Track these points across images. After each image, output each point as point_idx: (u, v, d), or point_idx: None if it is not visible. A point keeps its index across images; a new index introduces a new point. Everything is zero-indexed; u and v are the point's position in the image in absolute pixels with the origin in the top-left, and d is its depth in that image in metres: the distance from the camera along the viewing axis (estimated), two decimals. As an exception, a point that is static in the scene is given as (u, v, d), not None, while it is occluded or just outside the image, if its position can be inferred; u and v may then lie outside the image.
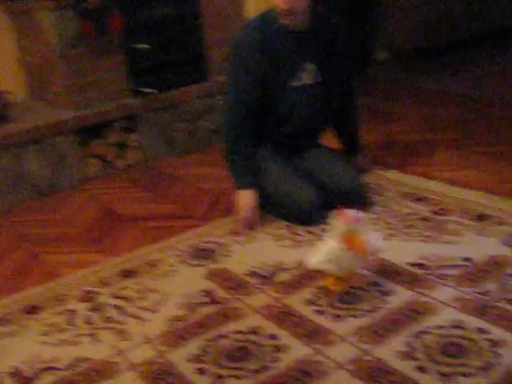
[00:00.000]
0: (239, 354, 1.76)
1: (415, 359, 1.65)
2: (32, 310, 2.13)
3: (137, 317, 2.01)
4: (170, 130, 3.66)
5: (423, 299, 1.92)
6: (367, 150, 3.12)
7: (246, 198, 2.54)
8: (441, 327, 1.77)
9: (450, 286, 1.97)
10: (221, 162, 2.82)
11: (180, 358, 1.77)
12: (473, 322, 1.78)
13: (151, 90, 3.53)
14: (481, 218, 2.41)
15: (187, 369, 1.72)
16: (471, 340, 1.70)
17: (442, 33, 5.62)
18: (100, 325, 1.99)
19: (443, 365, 1.62)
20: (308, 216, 2.49)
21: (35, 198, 3.24)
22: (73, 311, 2.09)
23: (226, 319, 1.93)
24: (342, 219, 1.93)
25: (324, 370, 1.65)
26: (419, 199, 2.64)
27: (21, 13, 3.70)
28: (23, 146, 3.18)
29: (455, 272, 2.04)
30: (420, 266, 2.11)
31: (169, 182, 3.28)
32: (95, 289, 2.21)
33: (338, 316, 1.88)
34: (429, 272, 2.06)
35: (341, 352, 1.72)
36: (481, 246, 2.20)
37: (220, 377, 1.67)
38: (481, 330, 1.74)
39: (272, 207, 2.60)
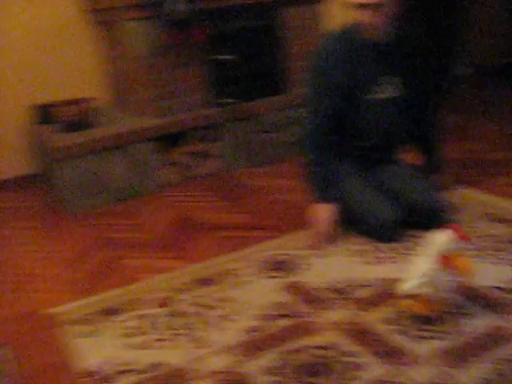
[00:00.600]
0: (317, 369, 1.73)
1: (501, 386, 1.59)
2: (111, 312, 2.17)
3: (213, 325, 2.01)
4: (248, 141, 3.68)
5: (505, 324, 1.84)
6: (447, 167, 3.04)
7: (325, 212, 2.52)
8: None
9: (538, 312, 1.89)
10: (298, 174, 2.81)
11: (256, 369, 1.76)
12: None
13: (232, 101, 3.56)
14: None
15: (263, 381, 1.70)
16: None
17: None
18: (177, 330, 2.00)
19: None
20: (388, 232, 2.44)
21: (116, 203, 3.32)
22: (151, 316, 2.11)
23: (304, 333, 1.90)
24: (451, 236, 1.82)
25: (405, 391, 1.61)
26: (503, 220, 2.55)
27: (107, 23, 3.81)
28: (106, 152, 3.27)
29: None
30: (501, 289, 2.03)
31: (246, 192, 3.29)
32: (173, 294, 2.23)
33: (420, 337, 1.83)
34: (511, 296, 1.99)
35: (422, 374, 1.66)
36: None
37: (298, 391, 1.65)
38: None
39: (351, 222, 2.56)
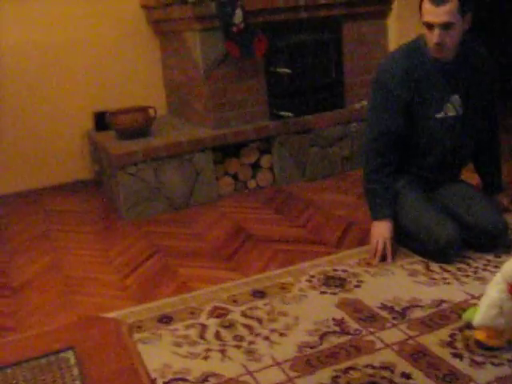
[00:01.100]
0: (370, 388, 1.71)
1: None
2: (164, 319, 2.19)
3: (266, 338, 2.01)
4: (302, 154, 3.68)
5: None
6: (508, 188, 2.98)
7: (381, 229, 2.49)
8: None
9: None
10: (353, 190, 2.80)
11: (310, 385, 1.75)
12: None
13: (289, 114, 3.57)
14: None
15: (318, 398, 1.69)
16: None
17: None
18: (230, 342, 2.01)
19: None
20: (446, 253, 2.40)
21: (170, 211, 3.35)
22: (204, 325, 2.12)
23: (358, 351, 1.88)
24: None
25: (461, 418, 1.57)
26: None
27: (168, 33, 3.88)
28: (162, 160, 3.31)
29: None
30: None
31: (300, 205, 3.28)
32: (226, 305, 2.24)
33: (477, 362, 1.79)
34: None
35: (479, 400, 1.63)
36: None
37: (351, 410, 1.64)
38: None
39: (408, 240, 2.53)
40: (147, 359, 1.95)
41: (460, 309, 2.07)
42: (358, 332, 1.99)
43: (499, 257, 2.42)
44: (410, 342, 1.92)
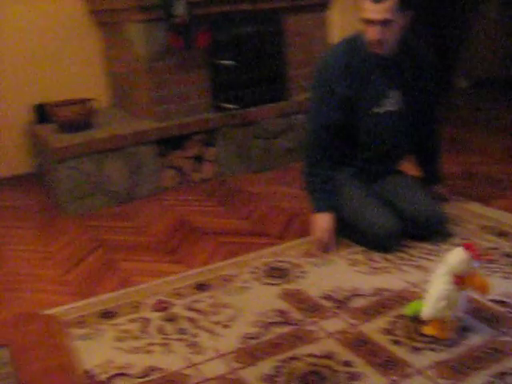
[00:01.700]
0: (312, 378, 1.73)
1: (497, 401, 1.59)
2: (107, 314, 2.17)
3: (210, 331, 2.01)
4: (246, 147, 3.68)
5: (505, 338, 1.84)
6: (447, 179, 3.05)
7: (322, 221, 2.52)
8: (524, 369, 1.70)
9: (534, 327, 1.89)
10: (296, 181, 2.82)
11: (252, 376, 1.76)
12: (559, 367, 1.70)
13: (232, 106, 3.57)
14: None
15: (260, 388, 1.71)
16: (557, 386, 1.63)
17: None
18: (173, 336, 2.00)
19: (527, 409, 1.56)
20: (385, 243, 2.45)
21: (112, 205, 3.31)
22: (147, 319, 2.11)
23: (300, 341, 1.90)
24: (465, 256, 1.80)
25: (400, 403, 1.61)
26: (501, 234, 2.56)
27: (110, 24, 3.82)
28: (104, 153, 3.26)
29: (538, 312, 1.96)
30: (502, 303, 2.03)
31: (243, 198, 3.29)
32: (169, 299, 2.23)
33: (416, 348, 1.83)
34: (511, 310, 1.99)
35: (417, 385, 1.67)
36: None
37: (293, 399, 1.65)
38: None
39: (349, 232, 2.57)
40: (89, 355, 1.93)
41: (400, 297, 2.12)
42: (300, 322, 2.01)
43: (438, 245, 2.48)
44: (351, 330, 1.95)
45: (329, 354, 1.83)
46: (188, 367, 1.83)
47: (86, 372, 1.84)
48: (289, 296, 2.19)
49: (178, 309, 2.16)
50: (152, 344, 1.96)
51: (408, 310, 1.99)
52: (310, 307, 2.10)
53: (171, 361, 1.87)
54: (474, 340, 1.85)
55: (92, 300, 2.29)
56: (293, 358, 1.82)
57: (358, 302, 2.10)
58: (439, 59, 4.92)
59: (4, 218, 3.29)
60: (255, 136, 3.70)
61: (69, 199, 3.22)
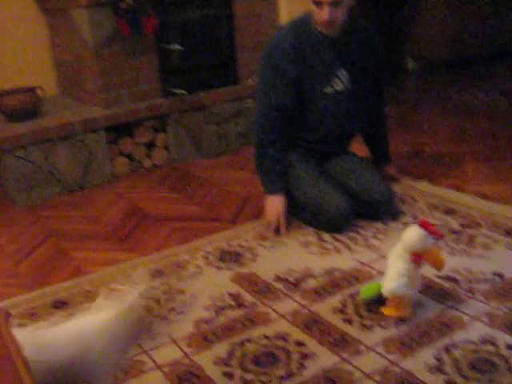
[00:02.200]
0: (266, 359, 1.75)
1: (444, 373, 1.63)
2: (59, 304, 2.15)
3: (163, 317, 2.01)
4: (198, 132, 3.67)
5: (452, 313, 1.90)
6: (396, 159, 3.10)
7: (274, 203, 2.54)
8: (470, 342, 1.75)
9: (479, 301, 1.95)
10: (249, 165, 2.83)
11: (206, 360, 1.77)
12: (503, 338, 1.76)
13: (182, 91, 3.54)
14: (511, 232, 2.38)
15: (214, 372, 1.72)
16: (501, 356, 1.68)
17: (470, 45, 5.59)
18: (126, 323, 1.99)
19: (472, 380, 1.60)
20: (336, 223, 2.48)
21: (63, 194, 3.27)
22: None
23: (253, 324, 1.92)
24: (422, 233, 1.83)
25: (351, 380, 1.64)
26: (448, 211, 2.62)
27: (55, 10, 3.74)
28: (53, 142, 3.21)
29: (485, 287, 2.02)
30: (449, 279, 2.09)
31: (196, 183, 3.29)
32: (122, 287, 2.22)
33: (366, 325, 1.87)
34: (458, 286, 2.04)
35: (368, 362, 1.71)
36: (511, 261, 2.17)
37: (246, 381, 1.67)
38: (510, 346, 1.72)
39: (300, 213, 2.59)
40: (41, 346, 1.91)
41: (351, 276, 2.16)
42: (253, 305, 2.03)
43: (387, 225, 2.53)
44: (303, 311, 1.98)
45: (281, 335, 1.85)
46: (140, 354, 1.83)
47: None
48: (241, 279, 2.20)
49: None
50: (105, 332, 1.95)
51: (365, 293, 1.99)
52: (263, 290, 2.12)
53: (125, 348, 1.86)
54: (423, 315, 1.90)
55: (43, 291, 2.26)
56: (246, 341, 1.84)
57: (310, 283, 2.13)
58: (388, 40, 4.99)
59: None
60: (207, 121, 3.68)
61: (18, 190, 3.16)
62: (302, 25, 2.57)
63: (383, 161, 2.94)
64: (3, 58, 3.87)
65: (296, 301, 2.03)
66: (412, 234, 1.85)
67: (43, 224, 2.91)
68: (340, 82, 2.61)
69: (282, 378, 1.67)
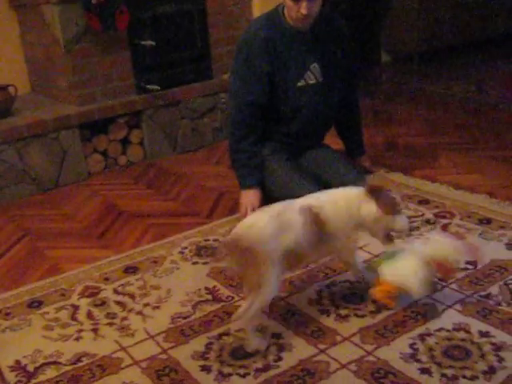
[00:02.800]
0: (243, 352, 1.76)
1: (418, 361, 1.66)
2: (34, 304, 2.13)
3: (139, 313, 2.01)
4: (173, 128, 3.66)
5: (427, 301, 1.92)
6: (370, 151, 3.12)
7: (249, 197, 2.54)
8: (444, 330, 1.77)
9: (453, 289, 1.97)
10: (224, 160, 2.83)
11: (184, 354, 1.77)
12: (476, 325, 1.78)
13: (155, 87, 3.53)
14: (484, 221, 2.41)
15: (191, 366, 1.72)
16: (474, 343, 1.71)
17: (444, 36, 5.62)
18: (103, 320, 1.99)
19: (446, 367, 1.63)
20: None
21: (37, 193, 3.24)
22: (75, 306, 2.09)
23: (230, 317, 1.91)
24: (457, 247, 1.84)
25: (327, 371, 1.65)
26: (422, 202, 2.64)
27: (25, 6, 3.69)
28: (26, 141, 3.18)
29: (458, 275, 2.04)
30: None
31: (171, 179, 3.28)
32: (98, 284, 2.21)
33: (342, 316, 1.89)
34: (432, 274, 2.07)
35: (344, 352, 1.72)
36: (484, 250, 2.20)
37: (224, 375, 1.67)
38: (483, 334, 1.74)
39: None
40: (17, 346, 1.90)
41: (325, 267, 2.17)
42: (229, 299, 2.04)
43: (362, 216, 2.54)
44: (280, 303, 1.98)
45: (258, 328, 1.85)
46: (118, 351, 1.83)
47: (12, 364, 1.81)
48: (217, 274, 2.20)
49: (106, 294, 2.15)
50: (81, 330, 1.95)
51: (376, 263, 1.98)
52: (239, 284, 2.12)
53: (101, 346, 1.86)
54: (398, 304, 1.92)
55: (18, 290, 2.24)
56: (223, 334, 1.85)
57: (287, 275, 2.13)
58: (362, 33, 5.01)
59: None
60: (181, 116, 3.67)
61: (-9, 189, 3.13)
62: (274, 19, 2.57)
63: (357, 153, 2.96)
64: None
65: (272, 294, 2.04)
66: (446, 246, 1.85)
67: (18, 223, 2.89)
68: (312, 76, 2.62)
69: (259, 370, 1.68)
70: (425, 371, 1.61)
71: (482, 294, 1.93)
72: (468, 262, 2.10)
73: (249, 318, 1.72)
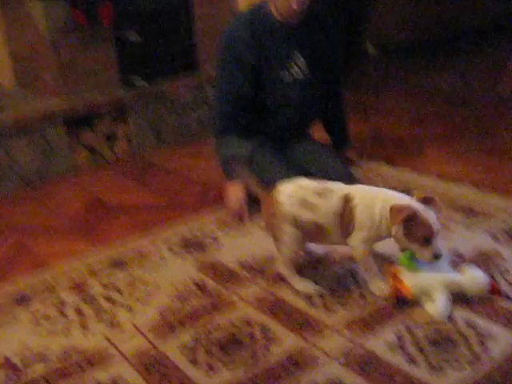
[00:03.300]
0: (231, 345, 1.77)
1: (405, 351, 1.67)
2: (21, 299, 2.13)
3: (127, 307, 2.01)
4: (159, 122, 3.65)
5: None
6: (356, 143, 3.13)
7: (235, 190, 2.54)
8: (430, 320, 1.79)
9: (439, 279, 1.99)
10: (210, 154, 2.83)
11: (172, 348, 1.78)
12: (462, 315, 1.80)
13: (140, 81, 3.51)
14: (469, 212, 2.43)
15: (180, 359, 1.72)
16: (460, 333, 1.72)
17: (429, 29, 5.65)
18: (90, 315, 1.99)
19: (432, 357, 1.64)
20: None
21: (23, 189, 3.22)
22: (63, 301, 2.08)
23: (218, 310, 1.93)
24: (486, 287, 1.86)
25: (315, 362, 1.66)
26: (407, 193, 2.65)
27: (10, 2, 3.67)
28: (11, 136, 3.16)
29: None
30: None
31: (158, 173, 3.27)
32: (85, 279, 2.21)
33: (330, 308, 1.90)
34: (418, 265, 2.08)
35: (332, 344, 1.73)
36: (469, 240, 2.22)
37: (212, 367, 1.68)
38: (469, 323, 1.76)
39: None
40: (5, 342, 1.90)
41: (321, 259, 2.18)
42: (218, 292, 2.04)
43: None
44: (268, 296, 1.99)
45: (246, 321, 1.87)
46: (107, 345, 1.83)
47: (4, 360, 1.81)
48: (205, 267, 2.21)
49: (94, 288, 2.15)
50: (69, 325, 1.94)
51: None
52: (227, 276, 2.13)
53: (89, 340, 1.86)
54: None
55: (4, 286, 2.24)
56: (212, 328, 1.85)
57: (274, 269, 2.14)
58: (348, 26, 5.02)
59: None
60: (167, 110, 3.67)
61: (-24, 185, 3.11)
62: (260, 12, 2.57)
63: (343, 145, 2.97)
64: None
65: (260, 286, 2.05)
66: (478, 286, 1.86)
67: (3, 220, 2.87)
68: (298, 70, 2.62)
69: (247, 362, 1.69)
70: (411, 361, 1.63)
71: (468, 283, 1.95)
72: (454, 253, 2.12)
73: (281, 264, 2.02)
